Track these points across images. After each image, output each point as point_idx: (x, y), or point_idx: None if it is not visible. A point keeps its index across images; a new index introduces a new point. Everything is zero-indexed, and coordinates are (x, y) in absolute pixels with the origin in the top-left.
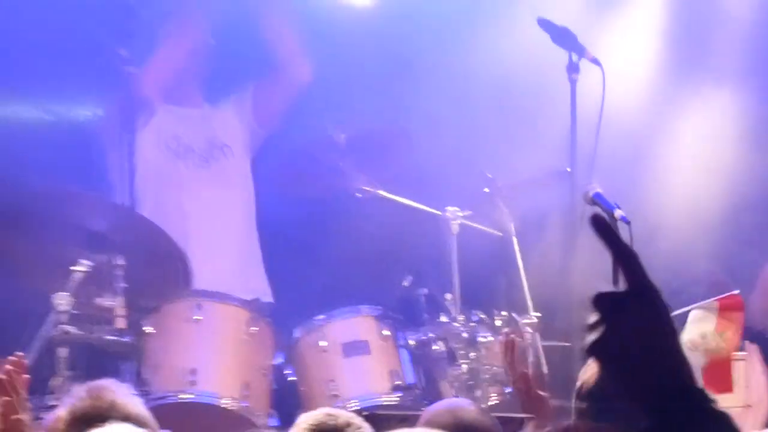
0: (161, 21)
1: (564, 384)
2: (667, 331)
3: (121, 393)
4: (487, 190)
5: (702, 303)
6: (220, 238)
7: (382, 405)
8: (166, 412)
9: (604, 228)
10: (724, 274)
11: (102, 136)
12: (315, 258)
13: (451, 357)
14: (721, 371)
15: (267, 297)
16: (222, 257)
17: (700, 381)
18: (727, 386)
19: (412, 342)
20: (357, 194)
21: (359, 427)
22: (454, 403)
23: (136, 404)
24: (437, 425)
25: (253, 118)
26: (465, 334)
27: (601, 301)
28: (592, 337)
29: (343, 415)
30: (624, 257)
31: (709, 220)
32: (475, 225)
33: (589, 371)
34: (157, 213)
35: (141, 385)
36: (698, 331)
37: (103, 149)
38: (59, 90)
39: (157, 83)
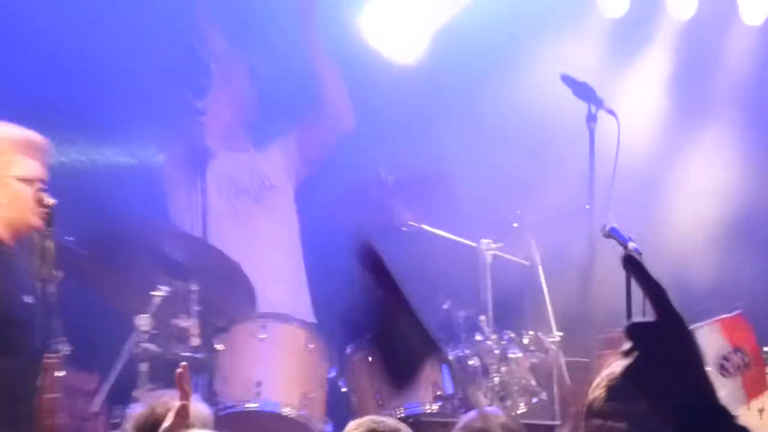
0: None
1: (584, 395)
2: (692, 355)
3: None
4: (516, 224)
5: (704, 323)
6: (269, 266)
7: (424, 413)
8: (234, 419)
9: (636, 266)
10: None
11: (171, 177)
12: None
13: (485, 371)
14: (758, 375)
15: (310, 318)
16: (271, 283)
17: (740, 395)
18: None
19: (450, 358)
20: (403, 228)
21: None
22: (486, 410)
23: (195, 410)
24: (471, 430)
25: (299, 159)
26: (497, 351)
27: (634, 329)
28: (627, 361)
29: (390, 422)
30: (654, 291)
31: (711, 241)
32: (505, 255)
33: (598, 389)
34: (216, 245)
35: (212, 396)
36: (714, 353)
37: (171, 188)
38: (141, 136)
39: (216, 131)
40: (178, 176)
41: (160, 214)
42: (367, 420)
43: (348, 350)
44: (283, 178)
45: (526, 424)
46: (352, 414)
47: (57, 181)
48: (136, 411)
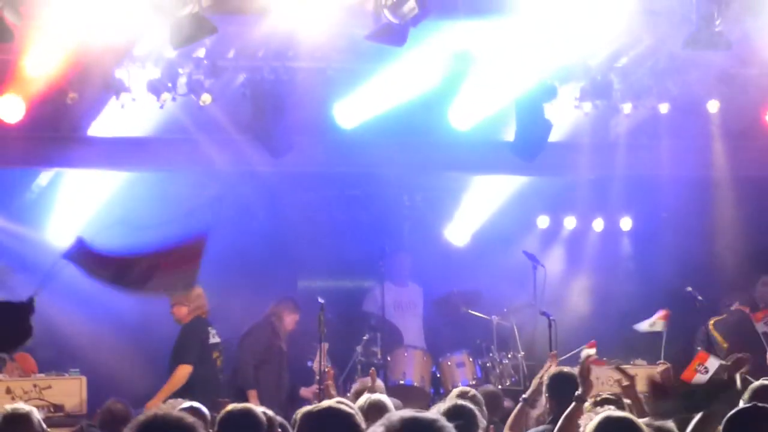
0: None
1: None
2: None
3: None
4: (506, 310)
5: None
6: (411, 327)
7: (471, 385)
8: (395, 389)
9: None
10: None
11: (374, 294)
12: (444, 331)
13: (494, 367)
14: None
15: (423, 347)
16: (412, 338)
17: None
18: None
19: (480, 362)
20: (462, 311)
21: (475, 394)
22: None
23: (378, 382)
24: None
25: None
26: (498, 360)
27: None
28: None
29: (472, 390)
30: None
31: (579, 306)
32: (502, 322)
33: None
34: (390, 321)
35: (386, 378)
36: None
37: (371, 301)
38: (366, 274)
39: (391, 277)
40: (376, 295)
41: (377, 309)
42: (459, 389)
43: (440, 359)
44: (418, 298)
45: (511, 390)
46: (443, 386)
47: (326, 293)
48: (357, 384)
